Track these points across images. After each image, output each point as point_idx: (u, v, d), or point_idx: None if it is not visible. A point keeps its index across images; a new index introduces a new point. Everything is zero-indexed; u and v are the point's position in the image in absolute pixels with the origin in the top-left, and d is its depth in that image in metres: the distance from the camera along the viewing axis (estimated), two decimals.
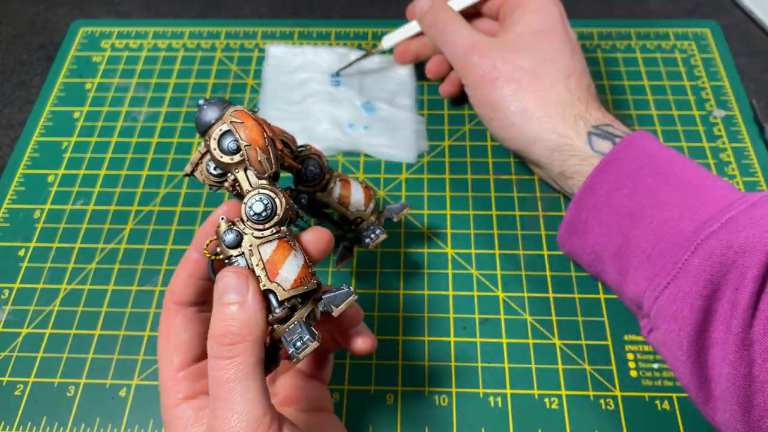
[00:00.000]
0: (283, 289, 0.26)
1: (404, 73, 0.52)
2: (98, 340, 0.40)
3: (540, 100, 0.37)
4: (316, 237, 0.29)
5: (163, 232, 0.45)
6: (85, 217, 0.45)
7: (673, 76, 0.52)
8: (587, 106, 0.38)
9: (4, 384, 0.39)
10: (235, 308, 0.26)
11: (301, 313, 0.27)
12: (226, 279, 0.26)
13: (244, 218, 0.28)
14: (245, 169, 0.29)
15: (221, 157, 0.28)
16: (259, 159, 0.28)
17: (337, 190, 0.36)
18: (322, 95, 0.50)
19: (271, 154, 0.28)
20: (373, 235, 0.36)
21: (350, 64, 0.51)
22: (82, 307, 0.41)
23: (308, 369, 0.34)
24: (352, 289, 0.28)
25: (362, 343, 0.31)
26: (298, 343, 0.26)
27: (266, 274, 0.27)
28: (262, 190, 0.28)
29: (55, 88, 0.53)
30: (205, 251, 0.29)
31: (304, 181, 0.35)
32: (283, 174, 0.32)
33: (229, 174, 0.29)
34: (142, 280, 0.42)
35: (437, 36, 0.43)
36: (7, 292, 0.42)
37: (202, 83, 0.53)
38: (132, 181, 0.47)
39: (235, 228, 0.28)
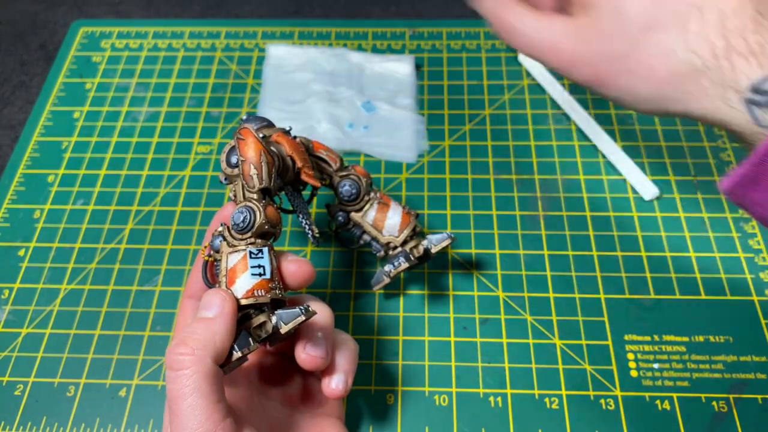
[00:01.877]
0: (236, 297, 0.28)
1: (404, 73, 0.52)
2: (98, 340, 0.40)
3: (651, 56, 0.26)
4: (297, 269, 0.30)
5: (163, 232, 0.45)
6: (85, 217, 0.45)
7: None
8: (729, 54, 0.24)
9: (4, 384, 0.38)
10: (201, 324, 0.27)
11: (251, 323, 0.28)
12: (207, 296, 0.28)
13: (230, 226, 0.30)
14: (242, 183, 0.31)
15: (225, 169, 0.32)
16: (250, 174, 0.30)
17: (371, 213, 0.36)
18: (323, 95, 0.50)
19: (263, 171, 0.30)
20: (396, 263, 0.36)
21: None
22: (82, 307, 0.41)
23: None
24: (309, 309, 0.28)
25: (332, 390, 0.30)
26: (232, 352, 0.27)
27: (226, 281, 0.29)
28: (248, 203, 0.30)
29: (55, 88, 0.53)
30: (202, 252, 0.30)
31: (340, 200, 0.36)
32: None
33: (233, 185, 0.32)
34: (142, 280, 0.42)
35: None
36: (7, 292, 0.42)
37: (203, 83, 0.53)
38: (132, 181, 0.47)
39: (221, 235, 0.30)
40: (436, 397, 0.37)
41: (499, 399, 0.37)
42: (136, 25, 0.57)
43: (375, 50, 0.54)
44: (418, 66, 0.53)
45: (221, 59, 0.54)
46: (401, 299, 0.41)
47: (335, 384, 0.30)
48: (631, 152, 0.47)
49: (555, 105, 0.50)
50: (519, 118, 0.50)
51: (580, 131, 0.49)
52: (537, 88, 0.51)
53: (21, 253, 0.44)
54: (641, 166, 0.46)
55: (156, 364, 0.39)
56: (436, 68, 0.53)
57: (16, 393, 0.38)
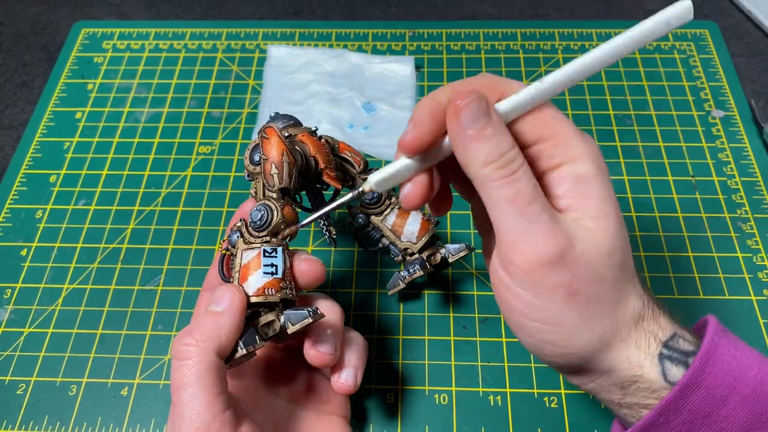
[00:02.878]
0: (247, 294, 0.29)
1: (404, 74, 0.53)
2: (100, 339, 0.40)
3: (619, 322, 0.26)
4: (308, 268, 0.30)
5: (164, 231, 0.45)
6: (87, 217, 0.46)
7: (672, 76, 0.52)
8: (652, 310, 0.27)
9: (6, 383, 0.39)
10: (209, 317, 0.27)
11: (259, 321, 0.29)
12: (219, 290, 0.28)
13: (248, 223, 0.30)
14: (263, 181, 0.31)
15: (248, 165, 0.32)
16: (271, 173, 0.30)
17: (391, 218, 0.37)
18: (323, 96, 0.51)
19: (284, 171, 0.30)
20: (411, 269, 0.37)
21: (317, 216, 0.31)
22: (84, 306, 0.42)
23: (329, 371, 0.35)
24: (317, 311, 0.29)
25: (341, 385, 0.31)
26: (237, 348, 0.28)
27: (239, 277, 0.29)
28: (266, 202, 0.30)
29: (56, 88, 0.53)
30: (219, 246, 0.31)
31: (362, 203, 0.37)
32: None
33: (255, 182, 0.32)
34: (143, 280, 0.43)
35: (494, 191, 0.25)
36: (9, 291, 0.42)
37: (204, 84, 0.53)
38: (134, 181, 0.47)
39: (239, 230, 0.30)
40: (436, 396, 0.37)
41: (498, 398, 0.37)
42: (138, 26, 0.57)
43: (375, 51, 0.55)
44: (418, 67, 0.54)
45: (222, 60, 0.55)
46: (401, 299, 0.41)
47: (344, 378, 0.31)
48: (630, 153, 0.47)
49: None
50: None
51: None
52: None
53: (23, 252, 0.44)
54: (640, 166, 0.47)
55: (157, 363, 0.39)
56: (435, 69, 0.53)
57: (18, 392, 0.38)
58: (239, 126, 0.50)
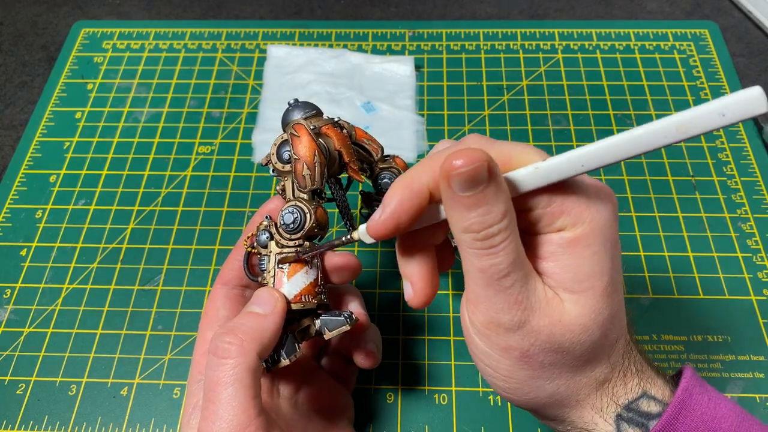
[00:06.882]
0: (287, 300, 0.28)
1: (404, 74, 0.53)
2: (100, 339, 0.40)
3: (577, 385, 0.25)
4: (344, 262, 0.30)
5: (164, 231, 0.45)
6: (86, 217, 0.46)
7: (671, 76, 0.52)
8: (624, 373, 0.25)
9: (6, 383, 0.39)
10: (252, 318, 0.27)
11: (294, 326, 0.29)
12: (260, 293, 0.28)
13: (278, 224, 0.30)
14: (293, 180, 0.30)
15: (275, 163, 0.31)
16: (303, 173, 0.29)
17: None
18: (323, 96, 0.51)
19: (316, 172, 0.30)
20: None
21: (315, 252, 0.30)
22: (84, 306, 0.42)
23: (338, 372, 0.35)
24: (352, 317, 0.29)
25: (363, 359, 0.33)
26: (275, 356, 0.28)
27: (273, 282, 0.29)
28: (298, 203, 0.29)
29: (56, 88, 0.53)
30: (245, 242, 0.31)
31: (378, 191, 0.36)
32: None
33: (282, 179, 0.31)
34: (143, 280, 0.43)
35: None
36: (9, 291, 0.42)
37: (204, 84, 0.53)
38: (133, 181, 0.47)
39: (268, 230, 0.30)
40: (436, 395, 0.37)
41: (498, 398, 0.37)
42: (138, 26, 0.57)
43: (375, 51, 0.55)
44: (418, 67, 0.54)
45: (222, 60, 0.55)
46: (401, 298, 0.41)
47: (367, 353, 0.32)
48: None
49: (554, 106, 0.50)
50: (518, 118, 0.50)
51: (578, 131, 0.49)
52: (537, 89, 0.52)
53: (23, 252, 0.44)
54: (639, 166, 0.47)
55: (157, 363, 0.39)
56: (435, 69, 0.53)
57: (18, 392, 0.38)
58: (239, 126, 0.50)
